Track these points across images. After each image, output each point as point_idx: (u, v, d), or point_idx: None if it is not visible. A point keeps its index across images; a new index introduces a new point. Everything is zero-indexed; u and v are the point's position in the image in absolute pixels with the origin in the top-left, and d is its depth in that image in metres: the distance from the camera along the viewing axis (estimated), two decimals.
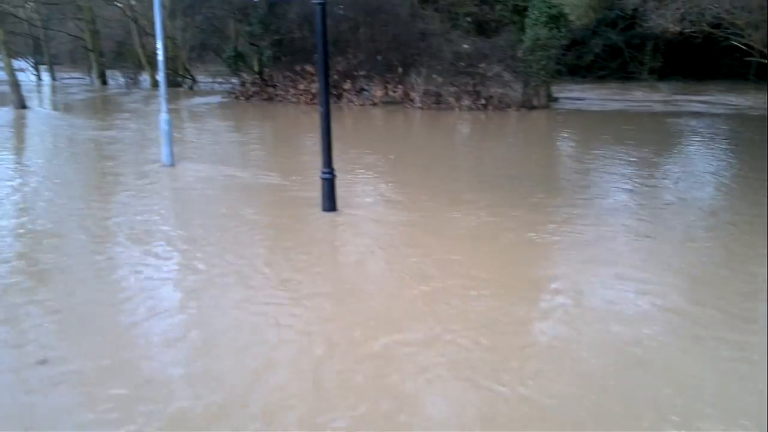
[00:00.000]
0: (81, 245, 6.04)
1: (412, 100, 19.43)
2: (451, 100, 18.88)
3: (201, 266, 5.39)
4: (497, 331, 4.19)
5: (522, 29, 19.12)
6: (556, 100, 20.32)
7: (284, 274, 5.25)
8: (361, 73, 20.56)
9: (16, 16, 30.02)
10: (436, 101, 19.08)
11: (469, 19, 21.65)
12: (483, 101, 18.72)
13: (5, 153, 11.62)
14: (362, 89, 20.65)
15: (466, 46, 19.27)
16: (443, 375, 3.63)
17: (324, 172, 6.94)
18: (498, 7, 21.45)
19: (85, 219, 6.94)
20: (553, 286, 5.08)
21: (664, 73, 28.61)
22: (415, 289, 4.91)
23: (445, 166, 10.46)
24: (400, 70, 19.96)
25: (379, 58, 20.22)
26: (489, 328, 4.22)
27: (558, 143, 14.15)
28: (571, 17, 17.44)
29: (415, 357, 3.83)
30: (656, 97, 22.94)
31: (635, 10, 19.85)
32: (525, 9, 19.00)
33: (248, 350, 3.92)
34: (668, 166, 10.67)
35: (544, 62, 18.24)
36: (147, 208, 7.41)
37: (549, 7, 17.65)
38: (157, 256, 5.68)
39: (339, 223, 6.84)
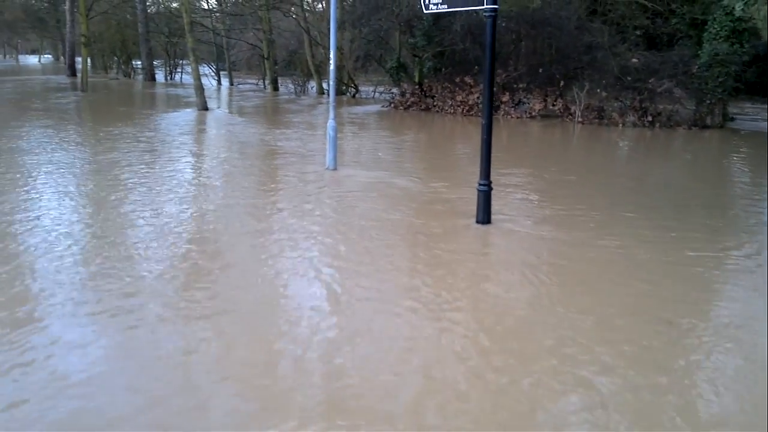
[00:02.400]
0: (243, 243, 6.55)
1: (572, 114, 18.94)
2: (615, 115, 18.17)
3: (354, 268, 5.63)
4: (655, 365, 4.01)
5: (698, 43, 17.96)
6: (732, 119, 18.81)
7: (437, 286, 5.29)
8: (521, 85, 20.39)
9: (203, 26, 33.20)
10: (598, 116, 18.44)
11: (638, 32, 20.69)
12: (650, 118, 17.82)
13: (186, 150, 12.89)
14: (520, 101, 20.48)
15: (635, 60, 18.46)
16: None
17: (481, 184, 6.99)
18: (673, 20, 20.32)
19: (247, 218, 7.54)
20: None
21: None
22: (579, 320, 4.62)
23: (607, 185, 10.11)
24: (561, 83, 19.55)
25: (540, 70, 19.94)
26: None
27: (731, 166, 13.11)
28: (764, 32, 16.06)
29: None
30: None
31: None
32: (704, 23, 17.83)
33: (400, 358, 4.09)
34: None
35: (721, 79, 16.99)
36: (309, 207, 7.87)
37: (732, 21, 16.42)
38: (311, 259, 6.03)
39: (493, 236, 6.85)
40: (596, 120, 18.35)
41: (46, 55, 78.17)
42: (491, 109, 6.98)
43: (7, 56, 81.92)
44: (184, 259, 5.85)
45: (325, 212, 7.71)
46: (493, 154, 7.10)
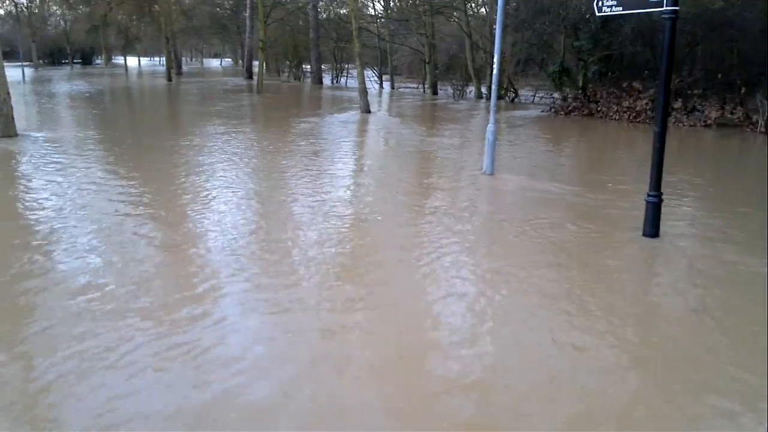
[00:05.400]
0: (395, 242, 6.79)
1: (754, 124, 17.39)
2: None
3: (506, 278, 5.60)
4: None
5: None
6: None
7: (597, 300, 5.13)
8: (695, 91, 19.09)
9: (369, 31, 34.49)
10: None
11: None
12: None
13: (348, 149, 13.52)
14: (694, 108, 19.13)
15: None
16: None
17: (650, 195, 6.69)
18: None
19: (403, 218, 7.79)
20: None
21: None
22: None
23: None
24: (742, 89, 18.02)
25: (719, 76, 18.52)
26: None
27: None
28: None
29: None
30: None
31: None
32: None
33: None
34: None
35: None
36: (464, 211, 7.97)
37: None
38: (463, 264, 6.12)
39: (661, 251, 6.49)
40: None
41: (226, 59, 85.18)
42: (665, 116, 6.66)
43: (193, 59, 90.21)
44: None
45: (481, 217, 7.77)
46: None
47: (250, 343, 4.16)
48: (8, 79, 13.27)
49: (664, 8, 6.39)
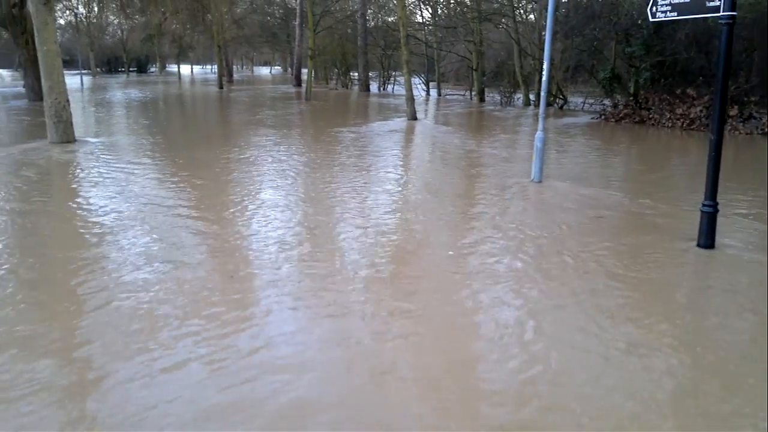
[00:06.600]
0: (439, 247, 6.77)
1: None
2: None
3: (548, 288, 5.55)
4: None
5: None
6: None
7: (649, 315, 5.00)
8: (752, 98, 18.49)
9: (417, 38, 34.58)
10: None
11: None
12: None
13: (396, 157, 13.58)
14: (751, 116, 18.52)
15: None
16: None
17: (705, 205, 6.51)
18: None
19: (448, 224, 7.76)
20: None
21: None
22: None
23: None
24: None
25: None
26: None
27: None
28: None
29: None
30: None
31: None
32: None
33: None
34: None
35: None
36: (512, 220, 7.90)
37: None
38: (515, 271, 6.07)
39: (717, 263, 6.29)
40: None
41: (276, 67, 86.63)
42: (722, 123, 6.48)
43: (244, 67, 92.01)
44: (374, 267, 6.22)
45: (529, 225, 7.68)
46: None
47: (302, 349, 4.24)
48: (67, 86, 13.79)
49: (721, 13, 6.24)
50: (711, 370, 4.02)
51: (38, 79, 15.12)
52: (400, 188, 10.00)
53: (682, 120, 19.17)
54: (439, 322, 4.71)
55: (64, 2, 46.87)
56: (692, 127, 18.72)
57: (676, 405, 3.60)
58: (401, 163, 12.94)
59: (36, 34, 13.00)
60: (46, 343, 4.19)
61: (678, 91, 19.69)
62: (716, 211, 6.50)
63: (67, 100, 13.54)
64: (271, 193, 9.20)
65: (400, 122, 20.26)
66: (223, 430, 3.25)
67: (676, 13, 6.98)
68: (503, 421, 3.43)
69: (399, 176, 11.05)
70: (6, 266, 5.81)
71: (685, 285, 5.80)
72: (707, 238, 6.57)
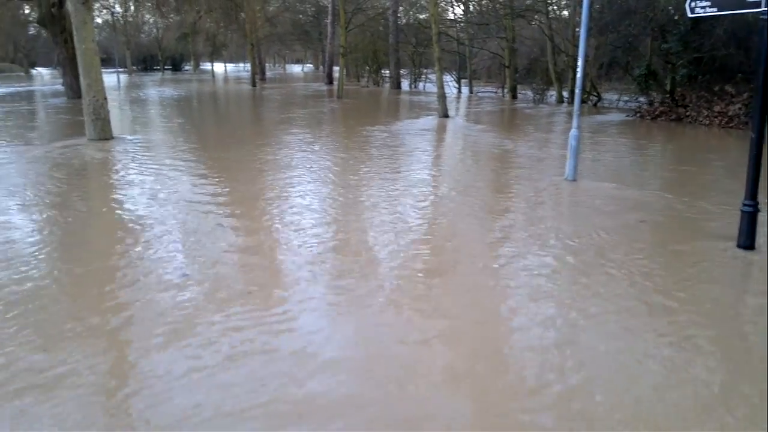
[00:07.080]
0: (475, 245, 6.74)
1: None
2: None
3: (590, 284, 5.51)
4: None
5: None
6: None
7: (681, 315, 4.94)
8: None
9: (448, 35, 34.44)
10: None
11: None
12: None
13: (428, 154, 13.57)
14: None
15: None
16: None
17: (746, 204, 6.37)
18: None
19: (482, 221, 7.73)
20: None
21: None
22: None
23: None
24: None
25: None
26: None
27: None
28: None
29: None
30: None
31: None
32: None
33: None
34: None
35: None
36: (547, 220, 7.85)
37: None
38: (546, 265, 6.02)
39: (757, 264, 6.16)
40: None
41: (307, 64, 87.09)
42: (763, 121, 6.33)
43: (276, 65, 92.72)
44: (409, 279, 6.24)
45: (565, 224, 7.61)
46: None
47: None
48: (105, 84, 14.08)
49: (762, 9, 6.10)
50: None
51: (77, 77, 15.52)
52: (431, 188, 9.96)
53: (720, 117, 18.76)
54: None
55: (102, 1, 47.88)
56: (730, 125, 18.30)
57: None
58: (435, 160, 12.92)
59: (75, 32, 13.29)
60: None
61: (716, 88, 19.27)
62: (757, 210, 6.36)
63: (105, 98, 13.82)
64: (309, 199, 9.29)
65: (431, 120, 20.20)
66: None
67: (716, 9, 6.85)
68: None
69: (431, 177, 10.99)
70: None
71: (725, 286, 5.63)
72: (747, 238, 6.44)
